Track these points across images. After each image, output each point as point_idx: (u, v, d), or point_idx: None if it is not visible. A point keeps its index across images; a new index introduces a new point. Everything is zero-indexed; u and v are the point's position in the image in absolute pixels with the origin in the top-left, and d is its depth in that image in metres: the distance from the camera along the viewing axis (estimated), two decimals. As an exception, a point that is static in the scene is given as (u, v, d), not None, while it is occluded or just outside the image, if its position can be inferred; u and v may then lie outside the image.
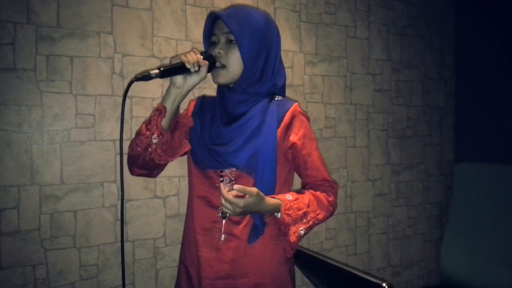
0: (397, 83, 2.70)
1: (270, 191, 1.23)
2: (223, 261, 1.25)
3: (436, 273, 2.86)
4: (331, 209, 1.31)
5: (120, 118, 1.18)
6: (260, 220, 1.24)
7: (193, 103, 1.43)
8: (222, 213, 1.27)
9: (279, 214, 1.20)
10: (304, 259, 1.68)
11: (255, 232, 1.25)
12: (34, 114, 1.71)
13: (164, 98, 1.25)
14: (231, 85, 1.29)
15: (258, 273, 1.25)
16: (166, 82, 1.95)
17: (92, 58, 1.81)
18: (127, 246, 1.90)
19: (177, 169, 1.96)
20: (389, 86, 2.67)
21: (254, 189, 1.13)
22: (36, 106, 1.71)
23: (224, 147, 1.26)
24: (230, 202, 1.10)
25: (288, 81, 2.25)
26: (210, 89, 2.02)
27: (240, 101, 1.29)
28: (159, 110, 1.23)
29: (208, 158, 1.28)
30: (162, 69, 1.16)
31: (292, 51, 2.31)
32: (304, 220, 1.22)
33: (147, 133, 1.22)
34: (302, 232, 1.22)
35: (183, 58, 1.18)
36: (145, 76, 1.15)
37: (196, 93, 1.98)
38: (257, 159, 1.23)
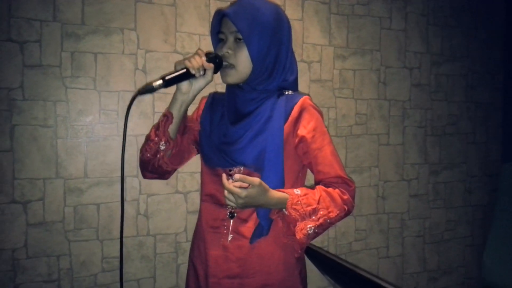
0: (437, 77, 2.53)
1: (278, 184, 1.17)
2: (230, 260, 1.22)
3: (478, 281, 2.67)
4: (346, 208, 1.19)
5: (123, 133, 1.17)
6: (265, 219, 1.19)
7: (204, 101, 1.41)
8: (230, 212, 1.24)
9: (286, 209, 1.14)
10: (321, 260, 1.62)
11: (259, 231, 1.20)
12: (60, 110, 1.76)
13: (171, 103, 1.23)
14: (240, 84, 1.25)
15: (265, 274, 1.21)
16: (188, 77, 1.94)
17: (115, 54, 1.84)
18: (148, 240, 1.93)
19: (198, 165, 1.94)
20: (428, 80, 2.51)
21: (257, 179, 1.07)
22: (61, 102, 1.77)
23: (231, 145, 1.23)
24: (232, 193, 1.06)
25: (316, 76, 2.19)
26: (223, 86, 1.98)
27: (249, 99, 1.25)
28: (166, 117, 1.22)
29: (217, 157, 1.26)
30: (166, 78, 1.14)
31: (321, 44, 2.22)
32: (314, 217, 1.14)
33: (156, 139, 1.23)
34: (311, 230, 1.13)
35: (187, 63, 1.15)
36: (148, 89, 1.14)
37: (209, 90, 1.96)
38: (264, 156, 1.18)
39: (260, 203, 1.10)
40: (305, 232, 1.13)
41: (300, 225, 1.13)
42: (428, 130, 2.52)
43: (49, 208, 1.76)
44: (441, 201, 2.58)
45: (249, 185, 1.06)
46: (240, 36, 1.18)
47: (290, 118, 1.21)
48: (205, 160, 1.31)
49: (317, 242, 2.26)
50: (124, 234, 1.85)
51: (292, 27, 2.14)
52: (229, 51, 1.20)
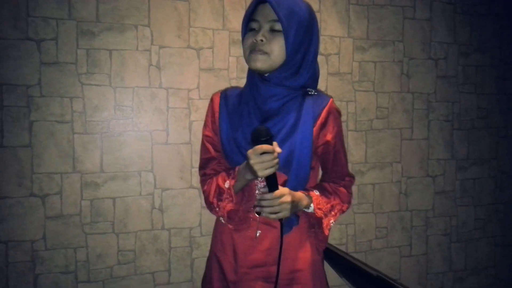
0: (465, 69, 2.40)
1: (303, 186, 1.24)
2: (259, 249, 1.24)
3: (509, 282, 2.54)
4: (351, 201, 1.37)
5: None
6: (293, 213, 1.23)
7: (216, 100, 1.32)
8: (257, 212, 1.23)
9: (309, 208, 1.23)
10: (333, 259, 1.59)
11: (289, 223, 1.24)
12: (76, 106, 1.81)
13: (238, 177, 1.20)
14: (266, 75, 1.22)
15: (294, 260, 1.24)
16: (202, 73, 1.94)
17: (130, 50, 1.86)
18: (163, 234, 1.95)
19: (212, 160, 1.95)
20: (455, 72, 2.39)
21: (285, 189, 1.14)
22: (78, 98, 1.81)
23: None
24: (280, 203, 1.13)
25: (334, 69, 2.14)
26: (237, 81, 1.97)
27: (273, 94, 1.22)
28: (231, 197, 1.22)
29: (241, 159, 1.22)
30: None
31: (340, 36, 2.16)
32: (332, 212, 1.27)
33: (217, 209, 1.26)
34: (332, 224, 1.27)
35: (266, 172, 1.11)
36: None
37: (222, 86, 1.96)
38: (292, 157, 1.18)
39: (298, 204, 1.19)
40: (329, 227, 1.27)
41: (325, 221, 1.25)
42: (455, 124, 2.40)
43: (66, 201, 1.81)
44: (469, 198, 2.46)
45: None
46: (277, 27, 1.16)
47: (318, 122, 1.23)
48: (230, 163, 1.28)
49: (335, 239, 2.22)
50: (139, 228, 1.90)
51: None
52: (264, 39, 1.17)
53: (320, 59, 2.12)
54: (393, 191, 2.31)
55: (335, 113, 1.26)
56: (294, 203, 1.17)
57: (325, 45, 2.13)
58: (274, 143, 1.10)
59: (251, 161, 1.09)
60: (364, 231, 2.27)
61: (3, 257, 1.75)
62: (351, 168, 2.19)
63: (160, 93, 1.91)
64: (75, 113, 1.81)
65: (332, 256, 1.58)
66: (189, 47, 1.93)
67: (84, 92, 1.81)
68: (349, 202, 1.34)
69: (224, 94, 1.33)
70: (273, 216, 1.14)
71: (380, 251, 2.31)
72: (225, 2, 1.97)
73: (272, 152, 1.08)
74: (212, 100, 1.34)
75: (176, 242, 1.97)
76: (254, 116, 1.22)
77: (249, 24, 1.21)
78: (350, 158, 2.21)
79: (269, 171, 1.10)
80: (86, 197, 1.84)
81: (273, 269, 1.22)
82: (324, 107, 1.23)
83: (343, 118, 2.19)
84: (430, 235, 2.40)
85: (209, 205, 1.29)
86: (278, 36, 1.16)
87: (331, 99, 1.26)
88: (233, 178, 1.21)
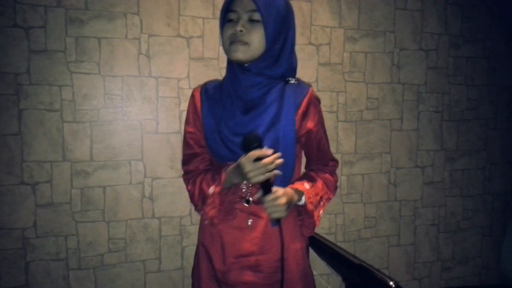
0: (456, 60, 2.41)
1: (290, 174, 1.25)
2: (246, 239, 1.25)
3: (496, 272, 2.58)
4: (336, 187, 1.39)
5: None
6: None
7: (197, 95, 1.31)
8: (246, 200, 1.24)
9: (301, 201, 1.25)
10: (321, 248, 1.61)
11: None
12: (65, 94, 1.80)
13: (225, 180, 1.22)
14: (246, 65, 1.22)
15: (280, 249, 1.24)
16: (192, 62, 1.94)
17: (119, 39, 1.85)
18: (154, 222, 1.97)
19: (202, 149, 1.96)
20: (446, 63, 2.40)
21: (279, 191, 1.15)
22: (67, 86, 1.80)
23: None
24: (277, 205, 1.14)
25: (324, 59, 2.14)
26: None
27: (254, 84, 1.22)
28: (214, 204, 1.25)
29: (225, 152, 1.23)
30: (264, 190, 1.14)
31: (331, 26, 2.16)
32: (321, 203, 1.30)
33: (200, 212, 1.32)
34: (322, 214, 1.31)
35: (261, 178, 1.12)
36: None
37: (211, 76, 1.96)
38: (277, 146, 1.19)
39: (291, 202, 1.21)
40: (320, 218, 1.31)
41: (315, 214, 1.28)
42: (445, 115, 2.42)
43: (57, 190, 1.82)
44: (457, 189, 2.49)
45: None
46: (255, 17, 1.16)
47: (300, 111, 1.24)
48: (214, 156, 1.28)
49: (324, 229, 2.24)
50: (130, 216, 1.92)
51: (300, 9, 2.11)
52: (243, 30, 1.18)
53: (311, 49, 2.13)
54: (382, 182, 2.33)
55: (315, 101, 1.28)
56: (289, 203, 1.18)
57: (316, 35, 2.13)
58: (265, 147, 1.12)
59: (246, 170, 1.10)
60: (353, 221, 2.29)
61: (-7, 244, 1.76)
62: (340, 158, 2.21)
63: (150, 82, 1.91)
64: (64, 101, 1.81)
65: (319, 245, 1.60)
66: (179, 35, 1.93)
67: (73, 80, 1.81)
68: (335, 189, 1.37)
69: (204, 89, 1.31)
70: (270, 216, 1.16)
71: (368, 241, 2.33)
72: (215, -9, 1.96)
73: (266, 156, 1.09)
74: (193, 95, 1.32)
75: (167, 231, 1.98)
76: (237, 107, 1.23)
77: (227, 15, 1.21)
78: (339, 148, 2.22)
79: (263, 177, 1.10)
80: (76, 186, 1.84)
81: (262, 258, 1.24)
82: (305, 96, 1.24)
83: (333, 108, 2.20)
84: (418, 225, 2.43)
85: (194, 205, 1.33)
86: (257, 26, 1.17)
87: (311, 88, 1.28)
88: (217, 185, 1.22)
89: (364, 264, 1.41)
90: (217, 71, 1.99)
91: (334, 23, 2.17)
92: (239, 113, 1.22)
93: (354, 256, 1.50)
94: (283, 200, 1.14)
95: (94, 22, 1.81)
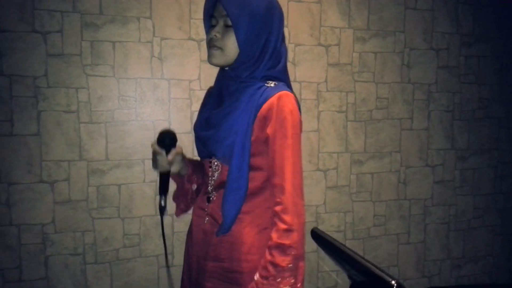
0: (467, 59, 2.41)
1: (243, 181, 1.17)
2: (208, 243, 1.26)
3: (507, 271, 2.58)
4: (292, 259, 1.06)
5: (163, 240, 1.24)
6: (228, 218, 1.19)
7: (206, 93, 1.41)
8: (207, 197, 1.27)
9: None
10: (327, 246, 1.65)
11: (222, 228, 1.20)
12: (81, 96, 1.88)
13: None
14: (226, 68, 1.27)
15: (235, 260, 1.21)
16: (203, 64, 1.99)
17: (132, 42, 1.91)
18: (168, 219, 2.03)
19: (213, 149, 2.02)
20: (457, 62, 2.39)
21: None
22: (83, 89, 1.88)
23: (208, 133, 1.25)
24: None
25: (334, 60, 2.17)
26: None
27: (233, 85, 1.26)
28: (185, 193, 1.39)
29: (200, 148, 1.29)
30: (161, 194, 1.28)
31: (340, 27, 2.18)
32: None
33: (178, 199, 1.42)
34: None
35: (154, 168, 1.27)
36: (162, 210, 1.29)
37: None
38: (233, 146, 1.17)
39: None
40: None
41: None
42: (455, 115, 2.42)
43: (74, 187, 1.90)
44: (468, 187, 2.49)
45: None
46: (229, 22, 1.19)
47: (259, 115, 1.17)
48: (197, 152, 1.35)
49: (334, 226, 2.28)
50: (144, 213, 1.99)
51: (309, 11, 2.13)
52: (217, 34, 1.21)
53: (320, 50, 2.16)
54: (392, 180, 2.35)
55: (280, 106, 1.14)
56: None
57: (325, 36, 2.16)
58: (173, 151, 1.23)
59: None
60: (362, 219, 2.32)
61: (16, 239, 1.85)
62: (350, 157, 2.24)
63: (162, 84, 1.97)
64: (81, 103, 1.88)
65: (325, 243, 1.64)
66: (190, 38, 1.98)
67: (89, 83, 1.88)
68: (286, 271, 1.06)
69: (208, 90, 1.40)
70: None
71: (378, 238, 2.36)
72: (226, -6, 2.00)
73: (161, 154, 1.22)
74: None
75: (179, 227, 2.05)
76: (211, 105, 1.29)
77: (211, 20, 1.25)
78: (349, 147, 2.25)
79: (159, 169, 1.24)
80: (93, 184, 1.92)
81: (219, 265, 1.21)
82: (267, 99, 1.16)
83: (343, 108, 2.22)
84: (428, 223, 2.44)
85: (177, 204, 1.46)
86: (231, 31, 1.18)
87: (280, 92, 1.16)
88: None
89: (367, 262, 1.44)
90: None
91: (344, 23, 2.19)
92: (209, 110, 1.28)
93: (358, 254, 1.53)
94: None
95: (108, 26, 1.88)
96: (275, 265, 1.06)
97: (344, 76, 2.21)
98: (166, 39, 1.95)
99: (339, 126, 2.19)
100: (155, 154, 1.23)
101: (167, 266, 1.28)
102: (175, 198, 1.43)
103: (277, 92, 1.16)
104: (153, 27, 1.93)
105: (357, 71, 2.23)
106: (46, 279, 1.90)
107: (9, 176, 1.82)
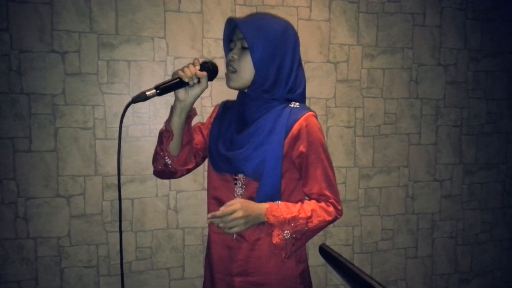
0: (475, 74, 2.43)
1: (274, 198, 1.28)
2: (233, 259, 1.33)
3: (515, 285, 2.59)
4: (329, 218, 1.29)
5: (118, 138, 1.31)
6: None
7: (217, 108, 1.50)
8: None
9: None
10: (334, 262, 1.68)
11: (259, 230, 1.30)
12: (97, 113, 1.94)
13: (171, 113, 1.35)
14: (246, 90, 1.33)
15: (263, 274, 1.31)
16: (214, 81, 2.04)
17: (146, 61, 1.97)
18: (178, 233, 2.08)
19: (224, 164, 2.06)
20: (464, 77, 2.42)
21: (237, 204, 1.18)
22: (99, 106, 1.94)
23: (235, 153, 1.32)
24: (232, 220, 1.18)
25: (342, 76, 2.21)
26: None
27: (255, 106, 1.33)
28: (168, 133, 1.34)
29: (223, 163, 1.35)
30: (160, 87, 1.24)
31: (348, 44, 2.22)
32: (292, 224, 1.22)
33: (161, 153, 1.36)
34: (288, 235, 1.22)
35: (180, 73, 1.25)
36: (142, 98, 1.24)
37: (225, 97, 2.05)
38: (263, 167, 1.26)
39: (253, 215, 1.21)
40: (282, 237, 1.22)
41: (277, 230, 1.22)
42: (463, 129, 2.44)
43: (89, 202, 1.96)
44: (476, 202, 2.50)
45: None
46: (245, 44, 1.26)
47: (290, 134, 1.28)
48: (213, 165, 1.40)
49: (342, 240, 2.31)
50: (155, 227, 2.04)
51: (319, 29, 2.17)
52: (234, 56, 1.28)
53: (329, 67, 2.20)
54: (400, 195, 2.38)
55: (310, 126, 1.28)
56: (250, 217, 1.20)
57: (334, 53, 2.20)
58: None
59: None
60: (370, 233, 2.35)
61: (32, 251, 1.91)
62: (358, 172, 2.27)
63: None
64: (97, 120, 1.94)
65: (329, 257, 1.67)
66: (202, 57, 2.03)
67: (105, 100, 1.94)
68: (322, 219, 1.26)
69: (223, 104, 1.49)
70: (228, 231, 1.19)
71: (385, 252, 2.39)
72: (236, 13, 2.06)
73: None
74: (216, 106, 1.52)
75: (190, 240, 2.10)
76: (234, 126, 1.35)
77: (230, 44, 1.32)
78: (357, 162, 2.28)
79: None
80: (107, 198, 1.98)
81: (247, 280, 1.30)
82: (297, 120, 1.28)
83: (351, 124, 2.26)
84: (436, 237, 2.46)
85: (154, 158, 1.40)
86: (247, 53, 1.25)
87: (308, 113, 1.29)
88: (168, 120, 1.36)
89: (372, 281, 1.47)
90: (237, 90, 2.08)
91: (352, 40, 2.23)
92: (233, 131, 1.34)
93: (364, 273, 1.56)
94: (239, 214, 1.16)
95: (124, 46, 1.94)
96: (316, 212, 1.26)
97: (353, 92, 2.25)
98: (179, 58, 2.01)
99: (347, 141, 2.23)
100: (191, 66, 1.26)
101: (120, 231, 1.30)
102: (156, 155, 1.41)
103: (305, 113, 1.29)
104: (167, 46, 1.99)
105: (365, 87, 2.26)
106: (62, 290, 1.96)
107: (27, 191, 1.89)
